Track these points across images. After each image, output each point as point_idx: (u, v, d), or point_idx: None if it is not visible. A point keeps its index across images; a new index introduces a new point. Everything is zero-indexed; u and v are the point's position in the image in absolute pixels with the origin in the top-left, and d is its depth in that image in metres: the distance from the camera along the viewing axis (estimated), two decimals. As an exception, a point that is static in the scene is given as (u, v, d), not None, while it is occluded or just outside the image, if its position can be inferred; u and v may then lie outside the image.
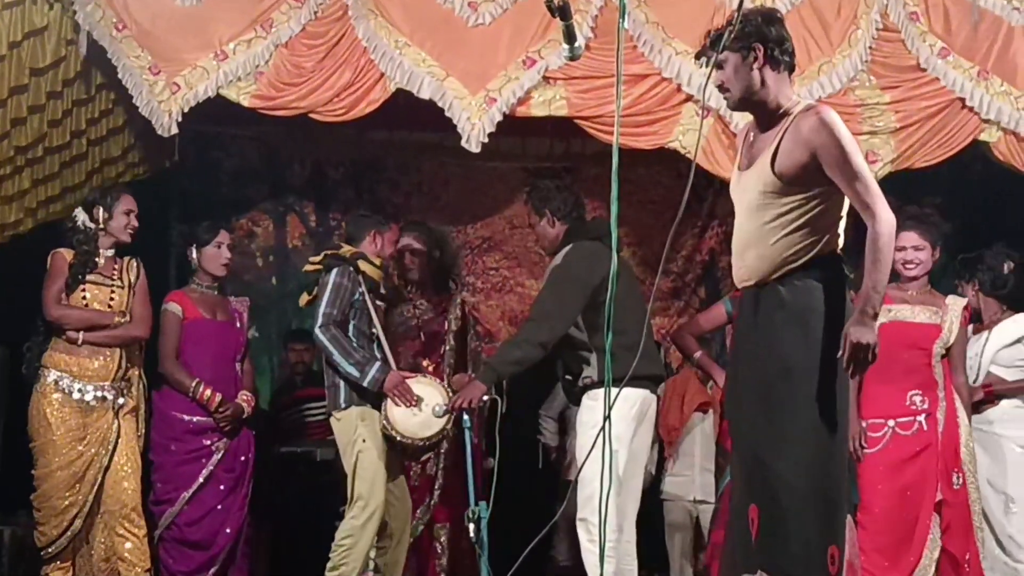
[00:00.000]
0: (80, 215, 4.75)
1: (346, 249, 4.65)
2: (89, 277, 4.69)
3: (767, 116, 3.35)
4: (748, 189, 3.36)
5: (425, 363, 5.18)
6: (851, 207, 3.28)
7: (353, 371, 4.44)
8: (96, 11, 4.99)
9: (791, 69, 3.40)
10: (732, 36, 3.23)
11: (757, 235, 3.32)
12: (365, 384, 4.43)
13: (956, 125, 5.10)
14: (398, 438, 4.44)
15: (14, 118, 4.89)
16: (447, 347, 5.37)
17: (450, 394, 4.53)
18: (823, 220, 3.25)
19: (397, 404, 4.43)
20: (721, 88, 3.40)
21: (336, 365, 4.46)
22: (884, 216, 3.14)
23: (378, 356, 4.58)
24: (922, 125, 5.09)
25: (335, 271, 4.53)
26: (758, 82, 3.31)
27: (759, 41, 3.28)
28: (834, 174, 3.18)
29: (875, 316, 3.10)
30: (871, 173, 3.21)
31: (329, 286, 4.51)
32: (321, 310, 4.48)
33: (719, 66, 3.34)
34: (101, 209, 4.72)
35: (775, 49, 3.30)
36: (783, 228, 3.25)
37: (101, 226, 4.72)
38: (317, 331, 4.47)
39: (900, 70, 5.13)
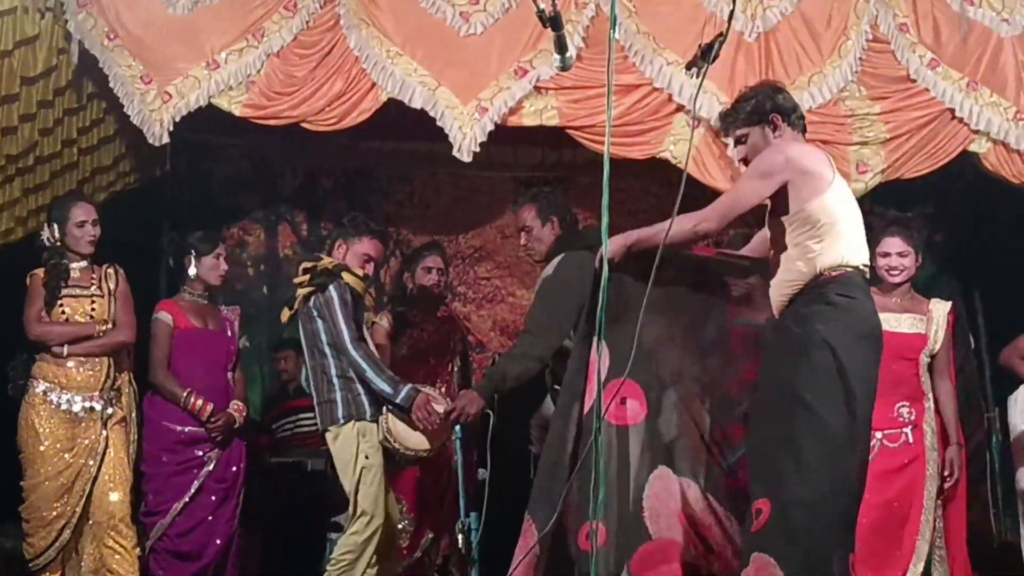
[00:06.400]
0: (45, 230, 4.73)
1: (327, 261, 4.55)
2: (66, 291, 4.66)
3: None
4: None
5: (438, 384, 5.15)
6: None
7: (386, 387, 4.33)
8: (88, 20, 5.00)
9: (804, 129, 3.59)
10: (749, 110, 3.52)
11: (774, 265, 3.52)
12: (398, 400, 4.32)
13: (946, 136, 5.13)
14: (401, 450, 4.38)
15: (5, 127, 4.87)
16: (455, 367, 5.36)
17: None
18: (815, 242, 3.36)
19: (419, 425, 4.33)
20: (745, 161, 3.59)
21: (369, 381, 4.34)
22: (702, 223, 3.49)
23: None
24: (912, 135, 5.11)
25: (332, 287, 4.42)
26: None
27: (775, 111, 3.51)
28: None
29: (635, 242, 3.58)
30: (744, 199, 3.43)
31: (336, 303, 4.40)
32: (342, 326, 4.37)
33: (740, 141, 3.56)
34: (56, 225, 4.69)
35: (791, 115, 3.54)
36: (784, 256, 3.44)
37: (57, 242, 4.70)
38: (349, 347, 4.36)
39: (890, 81, 5.16)
